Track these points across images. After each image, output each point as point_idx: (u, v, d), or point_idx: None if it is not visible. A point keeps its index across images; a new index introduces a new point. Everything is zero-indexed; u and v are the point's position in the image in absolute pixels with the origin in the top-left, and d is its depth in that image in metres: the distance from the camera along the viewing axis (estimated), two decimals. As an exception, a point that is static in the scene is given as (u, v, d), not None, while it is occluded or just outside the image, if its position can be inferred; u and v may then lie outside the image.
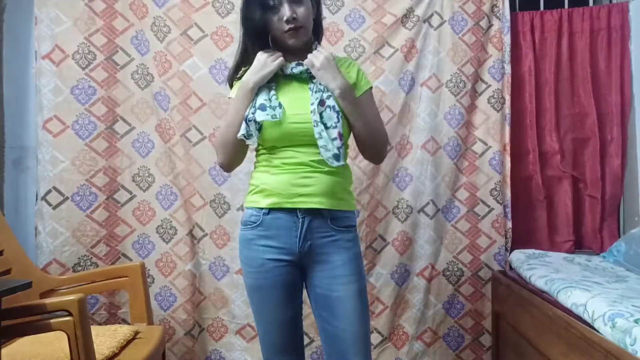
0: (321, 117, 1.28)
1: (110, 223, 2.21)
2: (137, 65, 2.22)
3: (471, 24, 2.24)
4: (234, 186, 2.22)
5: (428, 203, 2.25)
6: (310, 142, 1.30)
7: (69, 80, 2.15)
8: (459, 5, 2.24)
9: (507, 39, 2.26)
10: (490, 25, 2.26)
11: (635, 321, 1.24)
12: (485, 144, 2.27)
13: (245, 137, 1.31)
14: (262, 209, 1.34)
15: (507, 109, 2.26)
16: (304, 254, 1.33)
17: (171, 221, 2.23)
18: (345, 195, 1.38)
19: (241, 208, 2.22)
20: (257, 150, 1.42)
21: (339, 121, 1.29)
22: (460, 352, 2.28)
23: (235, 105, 1.35)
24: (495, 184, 2.26)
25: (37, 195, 2.15)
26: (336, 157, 1.28)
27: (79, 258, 2.16)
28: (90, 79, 2.18)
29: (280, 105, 1.29)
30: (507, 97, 2.26)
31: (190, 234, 2.23)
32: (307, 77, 1.35)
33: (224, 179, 2.22)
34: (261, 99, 1.31)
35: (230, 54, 2.21)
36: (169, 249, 2.23)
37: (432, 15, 2.25)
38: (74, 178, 2.15)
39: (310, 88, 1.33)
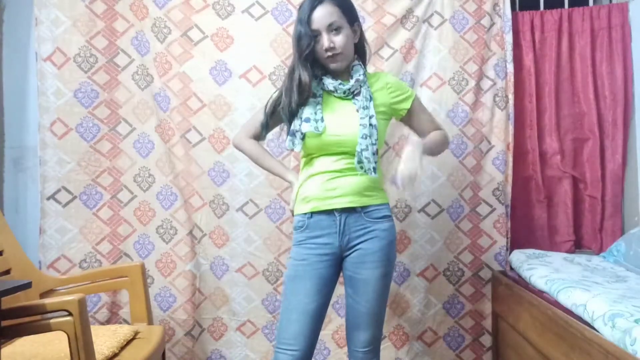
0: (370, 133, 1.47)
1: (114, 222, 2.23)
2: (137, 66, 2.22)
3: (472, 22, 2.24)
4: (234, 187, 2.22)
5: (429, 203, 2.25)
6: (343, 152, 1.50)
7: (71, 83, 2.17)
8: (459, 4, 2.24)
9: (508, 37, 2.26)
10: (492, 24, 2.25)
11: (635, 321, 1.24)
12: (489, 142, 2.27)
13: (290, 149, 1.52)
14: (305, 214, 1.52)
15: (511, 108, 2.26)
16: (344, 247, 1.51)
17: (171, 221, 2.23)
18: (374, 192, 1.53)
19: (240, 209, 2.23)
20: (301, 156, 1.63)
21: (377, 140, 1.49)
22: (460, 352, 2.28)
23: (270, 166, 1.68)
24: (497, 183, 2.26)
25: (41, 195, 2.16)
26: (374, 169, 1.48)
27: (84, 254, 2.20)
28: (93, 82, 2.19)
29: (322, 119, 1.49)
30: (510, 96, 2.26)
31: (191, 234, 2.23)
32: (350, 97, 1.53)
33: (223, 179, 2.23)
34: (307, 112, 1.50)
35: (230, 55, 2.22)
36: (169, 249, 2.23)
37: (432, 15, 2.25)
38: (80, 178, 2.19)
39: (355, 104, 1.52)
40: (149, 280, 2.18)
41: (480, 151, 2.27)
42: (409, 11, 2.23)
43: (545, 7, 2.42)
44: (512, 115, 2.26)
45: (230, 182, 2.22)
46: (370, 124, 1.48)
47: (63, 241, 2.17)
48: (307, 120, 1.49)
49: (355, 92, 1.53)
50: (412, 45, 2.24)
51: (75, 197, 2.19)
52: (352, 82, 1.52)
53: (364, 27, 2.20)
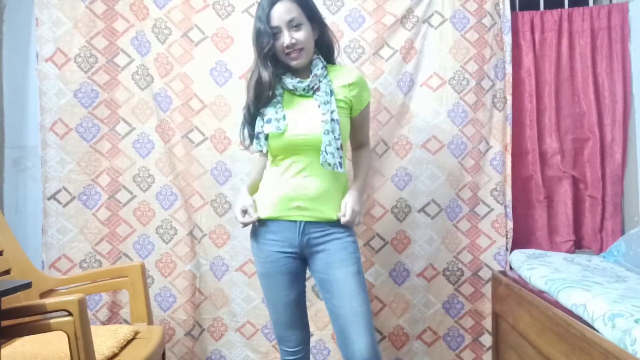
0: (332, 128, 1.46)
1: (112, 222, 2.24)
2: (137, 66, 2.22)
3: (473, 21, 2.24)
4: (236, 186, 2.22)
5: (429, 203, 2.25)
6: (308, 150, 1.50)
7: (71, 83, 2.18)
8: (460, 3, 2.24)
9: (507, 38, 2.26)
10: (494, 23, 2.25)
11: (635, 321, 1.24)
12: (487, 143, 2.28)
13: (259, 151, 1.55)
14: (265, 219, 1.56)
15: (509, 109, 2.26)
16: (304, 246, 1.53)
17: (171, 221, 2.23)
18: (336, 199, 1.55)
19: (241, 208, 2.23)
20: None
21: (340, 134, 1.48)
22: (460, 352, 2.28)
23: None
24: (495, 184, 2.26)
25: (42, 195, 2.17)
26: (340, 164, 1.48)
27: (85, 254, 2.20)
28: (93, 83, 2.20)
29: (284, 117, 1.49)
30: (509, 97, 2.26)
31: (191, 234, 2.24)
32: (310, 93, 1.53)
33: (225, 178, 2.23)
34: (269, 112, 1.51)
35: (230, 55, 2.22)
36: (169, 250, 2.24)
37: (432, 15, 2.25)
38: (80, 179, 2.20)
39: (316, 100, 1.51)
40: (149, 281, 2.19)
41: (479, 151, 2.27)
42: (409, 11, 2.23)
43: (545, 7, 2.42)
44: (510, 116, 2.26)
45: (233, 181, 2.23)
46: (332, 119, 1.47)
47: (64, 241, 2.18)
48: (269, 121, 1.49)
49: (315, 88, 1.52)
50: (412, 45, 2.24)
51: (74, 198, 2.19)
52: (310, 77, 1.51)
53: (364, 27, 2.21)
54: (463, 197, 2.27)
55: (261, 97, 1.51)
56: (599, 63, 2.33)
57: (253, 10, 2.22)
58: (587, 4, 2.41)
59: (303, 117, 1.50)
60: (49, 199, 2.17)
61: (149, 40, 2.21)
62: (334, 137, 1.46)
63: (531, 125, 2.35)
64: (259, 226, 1.57)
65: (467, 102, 2.24)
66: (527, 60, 2.34)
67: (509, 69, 2.26)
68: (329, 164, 1.47)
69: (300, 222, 1.52)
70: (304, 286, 1.63)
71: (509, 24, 2.25)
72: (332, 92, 1.51)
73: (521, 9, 2.41)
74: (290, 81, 1.52)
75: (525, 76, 2.35)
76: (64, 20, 2.16)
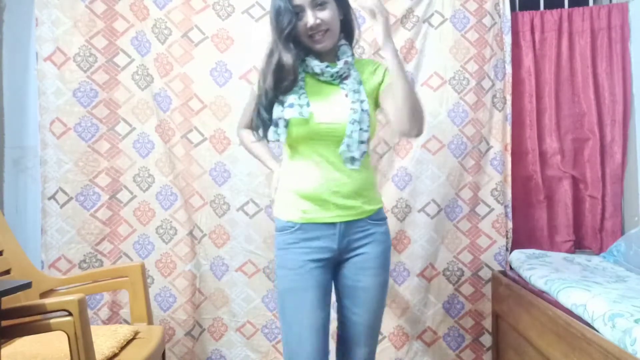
0: (360, 119, 1.31)
1: (113, 222, 2.23)
2: (137, 66, 2.22)
3: (474, 21, 2.24)
4: (234, 186, 2.22)
5: (429, 203, 2.25)
6: (333, 142, 1.33)
7: (70, 83, 2.17)
8: (460, 3, 2.24)
9: (507, 38, 2.26)
10: (494, 23, 2.25)
11: (635, 321, 1.24)
12: (487, 143, 2.28)
13: (275, 140, 1.34)
14: (296, 222, 1.37)
15: (509, 109, 2.26)
16: (343, 250, 1.38)
17: (171, 221, 2.23)
18: (371, 192, 1.41)
19: (241, 209, 2.22)
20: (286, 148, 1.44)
21: (369, 127, 1.33)
22: (460, 352, 2.28)
23: (257, 152, 1.57)
24: (496, 184, 2.26)
25: (42, 195, 2.17)
26: (353, 160, 1.33)
27: (84, 255, 2.19)
28: (92, 82, 2.19)
29: (308, 104, 1.32)
30: (508, 97, 2.26)
31: (191, 234, 2.24)
32: (337, 81, 1.38)
33: (224, 179, 2.23)
34: (292, 98, 1.33)
35: (230, 56, 2.22)
36: (169, 250, 2.23)
37: (432, 15, 2.25)
38: (77, 179, 2.19)
39: (344, 88, 1.36)
40: (149, 281, 2.18)
41: (479, 151, 2.27)
42: (409, 11, 2.23)
43: (545, 7, 2.42)
44: (510, 116, 2.26)
45: (231, 182, 2.22)
46: (362, 109, 1.32)
47: (63, 241, 2.18)
48: (291, 105, 1.31)
49: (343, 76, 1.37)
50: (412, 45, 2.24)
51: (71, 199, 2.18)
52: (340, 64, 1.36)
53: (364, 27, 2.20)
54: (463, 197, 2.27)
55: (282, 83, 1.32)
56: (599, 63, 2.33)
57: (253, 11, 2.23)
58: (587, 4, 2.41)
59: (329, 105, 1.34)
60: (49, 199, 2.17)
61: (149, 40, 2.21)
62: (360, 128, 1.31)
63: (531, 125, 2.35)
64: (291, 231, 1.35)
65: (467, 102, 2.24)
66: (527, 60, 2.35)
67: (509, 69, 2.26)
68: (348, 157, 1.32)
69: (340, 223, 1.35)
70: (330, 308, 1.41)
71: (509, 24, 2.26)
72: (361, 82, 1.37)
73: (521, 9, 2.41)
74: (317, 64, 1.35)
75: (525, 76, 2.35)
76: (64, 19, 2.16)
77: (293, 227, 1.35)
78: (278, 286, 1.38)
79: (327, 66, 1.35)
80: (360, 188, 1.37)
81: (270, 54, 1.34)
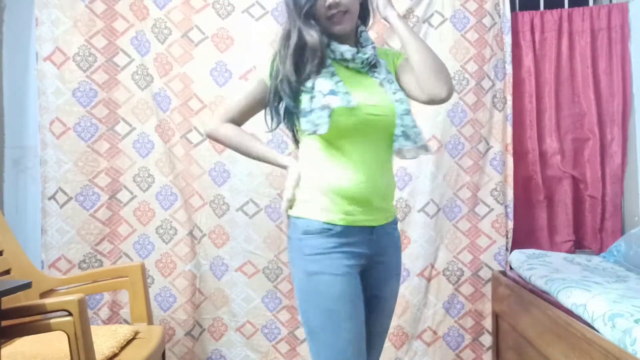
0: (409, 108, 1.22)
1: (113, 222, 2.23)
2: (137, 66, 2.22)
3: (473, 21, 2.24)
4: (234, 187, 2.22)
5: (428, 202, 2.25)
6: (375, 136, 1.22)
7: (70, 82, 2.17)
8: (460, 3, 2.24)
9: (507, 38, 2.26)
10: (494, 23, 2.25)
11: (635, 321, 1.24)
12: (487, 143, 2.28)
13: (312, 132, 1.17)
14: (334, 224, 1.19)
15: (509, 109, 2.26)
16: (370, 257, 1.25)
17: (171, 221, 2.23)
18: (393, 193, 1.34)
19: (241, 209, 2.22)
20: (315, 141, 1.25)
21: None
22: (460, 352, 2.28)
23: (258, 152, 1.33)
24: (495, 184, 2.26)
25: (42, 195, 2.16)
26: (426, 148, 1.24)
27: (84, 255, 2.19)
28: (92, 82, 2.19)
29: (349, 92, 1.19)
30: (509, 97, 2.26)
31: (191, 234, 2.23)
32: (366, 69, 1.27)
33: (223, 180, 2.23)
34: (324, 85, 1.18)
35: (230, 56, 2.22)
36: (169, 250, 2.23)
37: (432, 15, 2.25)
38: (77, 179, 2.18)
39: (376, 77, 1.26)
40: (149, 281, 2.18)
41: (478, 152, 2.27)
42: (409, 11, 2.23)
43: (545, 7, 2.42)
44: (510, 116, 2.26)
45: (231, 182, 2.22)
46: (404, 99, 1.23)
47: (62, 241, 2.17)
48: (333, 92, 1.17)
49: (372, 64, 1.27)
50: (412, 45, 2.24)
51: (71, 199, 2.17)
52: (369, 50, 1.26)
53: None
54: (462, 197, 2.27)
55: (306, 65, 1.20)
56: (599, 63, 2.33)
57: (253, 10, 2.23)
58: (587, 4, 2.41)
59: (369, 95, 1.22)
60: (49, 199, 2.17)
61: (148, 40, 2.20)
62: (412, 119, 1.22)
63: (531, 125, 2.35)
64: (329, 234, 1.19)
65: (466, 102, 2.24)
66: (527, 60, 2.35)
67: (509, 69, 2.26)
68: (415, 143, 1.22)
69: (377, 227, 1.24)
70: None
71: (509, 24, 2.26)
72: (389, 71, 1.28)
73: (521, 9, 2.41)
74: (348, 49, 1.23)
75: (525, 76, 2.36)
76: (64, 19, 2.15)
77: (331, 229, 1.19)
78: (322, 293, 1.18)
79: (357, 52, 1.24)
80: (391, 188, 1.29)
81: (287, 37, 1.22)
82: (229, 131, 1.34)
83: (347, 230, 1.20)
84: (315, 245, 1.19)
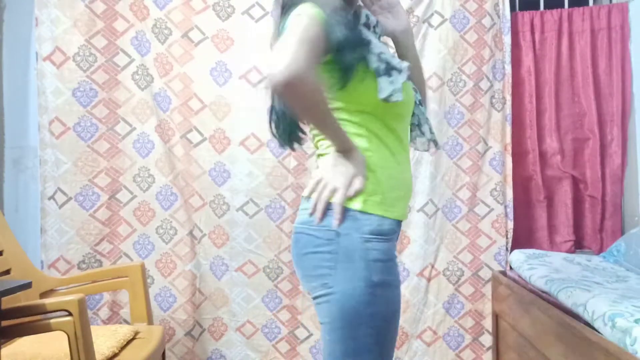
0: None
1: (113, 222, 2.23)
2: (137, 66, 2.22)
3: (473, 22, 2.24)
4: (234, 187, 2.22)
5: (427, 203, 2.25)
6: (409, 122, 1.08)
7: (70, 82, 2.17)
8: (459, 3, 2.24)
9: (507, 39, 2.26)
10: (493, 24, 2.26)
11: (635, 321, 1.24)
12: (486, 143, 2.28)
13: (385, 99, 0.93)
14: (395, 220, 1.00)
15: (508, 109, 2.26)
16: None
17: (171, 221, 2.23)
18: None
19: (241, 209, 2.22)
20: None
21: None
22: (460, 352, 2.28)
23: (339, 127, 0.95)
24: (495, 184, 2.26)
25: (41, 195, 2.16)
26: (436, 144, 1.12)
27: (83, 256, 2.19)
28: (92, 81, 2.19)
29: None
30: (508, 98, 2.26)
31: (191, 234, 2.23)
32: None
33: (224, 179, 2.23)
34: (382, 49, 0.96)
35: (230, 56, 2.22)
36: (169, 250, 2.23)
37: (432, 15, 2.25)
38: (77, 179, 2.18)
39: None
40: (149, 281, 2.18)
41: (477, 152, 2.27)
42: (409, 11, 2.23)
43: (545, 7, 2.42)
44: (509, 117, 2.26)
45: (231, 182, 2.22)
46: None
47: (62, 242, 2.17)
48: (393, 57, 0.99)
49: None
50: (412, 45, 2.24)
51: (70, 199, 2.17)
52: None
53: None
54: (462, 197, 2.27)
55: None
56: (599, 63, 2.33)
57: (253, 12, 2.23)
58: (587, 4, 2.41)
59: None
60: (48, 199, 2.16)
61: (149, 40, 2.21)
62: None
63: (531, 125, 2.35)
64: (396, 237, 1.03)
65: (463, 103, 2.25)
66: (527, 60, 2.35)
67: (508, 69, 2.26)
68: (434, 141, 1.13)
69: (400, 221, 1.05)
70: None
71: (508, 24, 2.26)
72: None
73: (521, 9, 2.41)
74: (370, 13, 1.07)
75: (525, 76, 2.36)
76: (63, 19, 2.15)
77: (397, 231, 1.02)
78: (385, 309, 0.99)
79: (377, 21, 1.06)
80: None
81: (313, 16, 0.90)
82: (319, 79, 0.89)
83: (399, 227, 1.04)
84: (386, 250, 0.98)
